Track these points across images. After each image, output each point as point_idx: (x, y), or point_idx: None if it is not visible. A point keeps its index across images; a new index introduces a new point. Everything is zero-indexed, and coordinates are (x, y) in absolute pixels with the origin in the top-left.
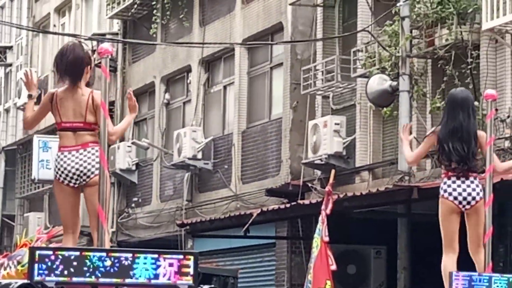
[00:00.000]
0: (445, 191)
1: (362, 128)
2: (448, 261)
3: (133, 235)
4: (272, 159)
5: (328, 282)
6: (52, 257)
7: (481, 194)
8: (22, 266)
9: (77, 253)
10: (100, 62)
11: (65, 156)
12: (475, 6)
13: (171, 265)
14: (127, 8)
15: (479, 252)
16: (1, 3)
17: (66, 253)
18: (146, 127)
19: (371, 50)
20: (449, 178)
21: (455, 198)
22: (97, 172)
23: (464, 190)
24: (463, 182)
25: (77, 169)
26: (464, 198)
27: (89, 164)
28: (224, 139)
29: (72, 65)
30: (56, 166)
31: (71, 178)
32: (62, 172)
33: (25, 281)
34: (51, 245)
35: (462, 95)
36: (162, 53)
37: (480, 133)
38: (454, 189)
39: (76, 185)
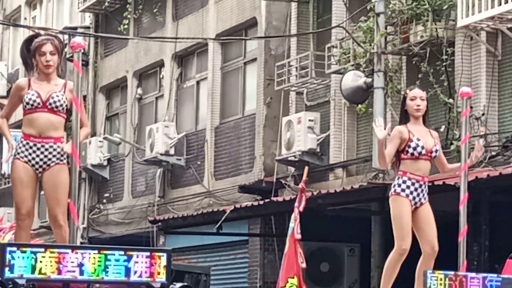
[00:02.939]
0: None
1: (336, 125)
2: None
3: (104, 231)
4: (245, 156)
5: (291, 281)
6: (23, 254)
7: None
8: None
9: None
10: (72, 56)
11: None
12: (450, 2)
13: (144, 262)
14: (99, 2)
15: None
16: None
17: (36, 250)
18: (118, 122)
19: (345, 46)
20: None
21: None
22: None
23: None
24: None
25: None
26: None
27: None
28: (197, 134)
29: None
30: None
31: None
32: None
33: None
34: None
35: None
36: (134, 48)
37: None
38: None
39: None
